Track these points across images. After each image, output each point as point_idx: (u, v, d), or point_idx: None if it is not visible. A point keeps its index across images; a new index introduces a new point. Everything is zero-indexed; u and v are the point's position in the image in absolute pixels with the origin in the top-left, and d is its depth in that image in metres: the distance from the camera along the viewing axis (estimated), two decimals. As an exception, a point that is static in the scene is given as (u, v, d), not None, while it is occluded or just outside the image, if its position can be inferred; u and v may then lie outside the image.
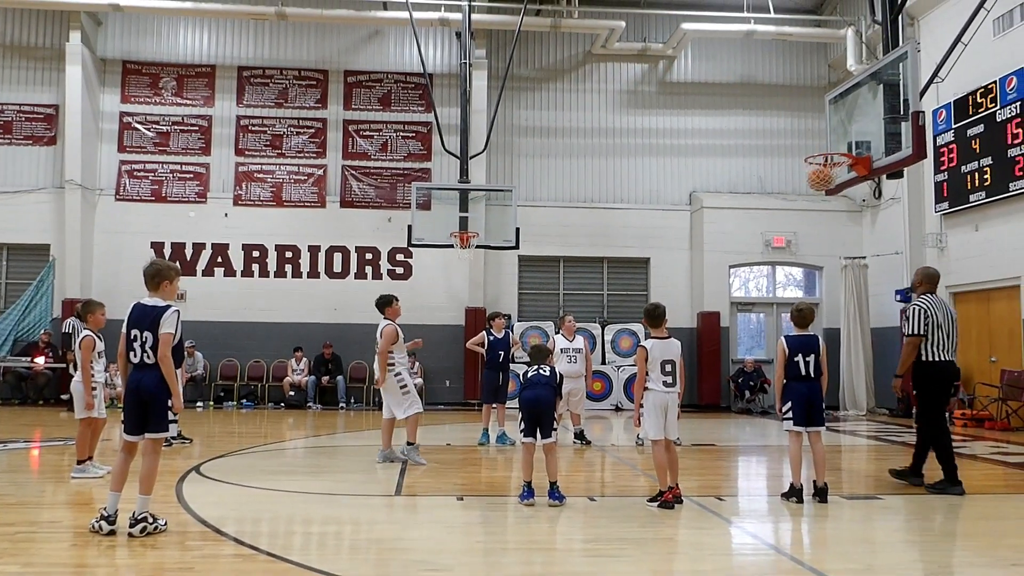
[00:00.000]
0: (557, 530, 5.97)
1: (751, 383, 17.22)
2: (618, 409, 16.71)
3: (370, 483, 7.98)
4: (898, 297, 15.83)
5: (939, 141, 15.02)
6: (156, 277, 5.59)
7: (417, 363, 16.63)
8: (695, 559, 5.24)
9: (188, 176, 17.84)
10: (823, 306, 17.93)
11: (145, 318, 5.43)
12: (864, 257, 17.46)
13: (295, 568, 4.74)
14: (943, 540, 6.16)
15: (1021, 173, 13.19)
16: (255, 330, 17.38)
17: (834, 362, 16.07)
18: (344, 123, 18.23)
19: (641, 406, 6.65)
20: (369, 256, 17.94)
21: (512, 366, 11.69)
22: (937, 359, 7.47)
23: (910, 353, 7.55)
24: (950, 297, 14.96)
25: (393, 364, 8.75)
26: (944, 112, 14.96)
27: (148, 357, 5.40)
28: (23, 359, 16.48)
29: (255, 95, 18.15)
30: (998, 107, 13.70)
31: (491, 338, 10.85)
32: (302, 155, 18.09)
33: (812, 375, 6.93)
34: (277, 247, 17.76)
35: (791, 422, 6.95)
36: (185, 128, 17.96)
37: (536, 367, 6.91)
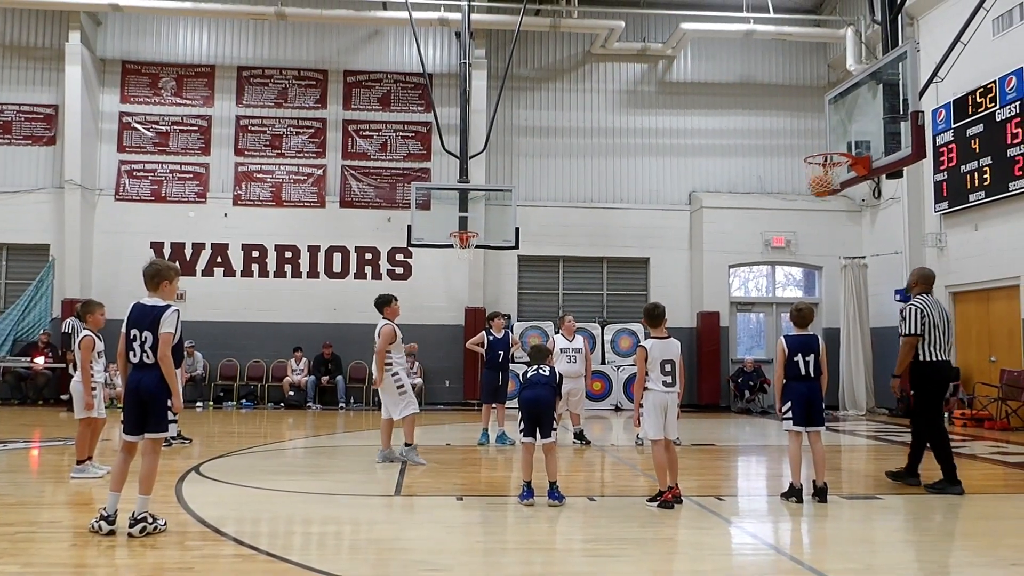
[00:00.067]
0: (557, 530, 5.97)
1: (751, 383, 17.22)
2: (618, 409, 16.71)
3: (369, 483, 7.98)
4: (898, 297, 15.80)
5: (938, 141, 15.02)
6: (156, 277, 5.59)
7: (417, 363, 16.62)
8: (695, 559, 5.24)
9: (188, 176, 17.84)
10: (823, 306, 17.92)
11: (145, 318, 5.43)
12: (864, 257, 17.46)
13: (295, 568, 4.74)
14: (943, 540, 6.16)
15: (1020, 173, 13.19)
16: (255, 330, 17.37)
17: (834, 362, 16.08)
18: (344, 123, 18.22)
19: (641, 406, 6.66)
20: (369, 256, 17.93)
21: (512, 366, 11.69)
22: (934, 359, 7.49)
23: (907, 353, 7.57)
24: (950, 297, 14.97)
25: (391, 364, 8.75)
26: (943, 112, 14.96)
27: (148, 357, 5.40)
28: (23, 359, 16.49)
29: (255, 95, 18.14)
30: (997, 107, 13.70)
31: (491, 338, 10.85)
32: (302, 155, 18.08)
33: (812, 375, 6.93)
34: (277, 247, 17.76)
35: (791, 422, 6.96)
36: (185, 128, 17.96)
37: (536, 367, 6.91)
